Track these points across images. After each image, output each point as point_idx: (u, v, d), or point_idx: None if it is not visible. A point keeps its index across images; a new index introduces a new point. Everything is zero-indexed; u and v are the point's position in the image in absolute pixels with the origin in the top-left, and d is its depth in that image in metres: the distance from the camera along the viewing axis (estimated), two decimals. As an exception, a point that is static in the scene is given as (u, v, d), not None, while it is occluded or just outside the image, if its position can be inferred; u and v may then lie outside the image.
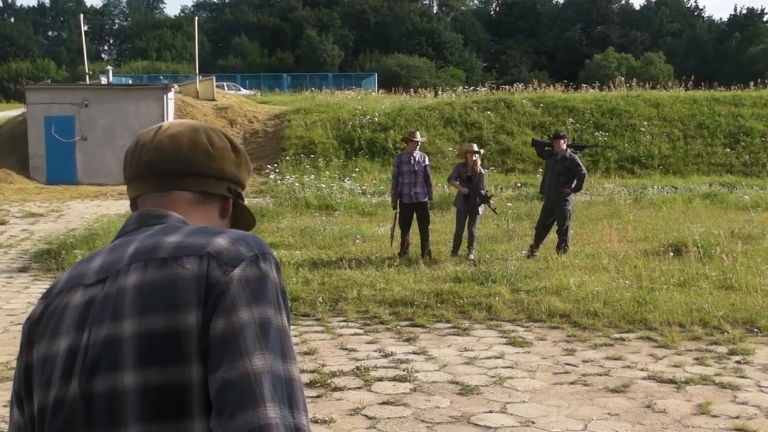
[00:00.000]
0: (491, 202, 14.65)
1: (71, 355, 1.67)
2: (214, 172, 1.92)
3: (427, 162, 14.35)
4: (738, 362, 8.19)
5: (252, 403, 1.52)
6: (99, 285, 1.73)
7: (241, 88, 55.65)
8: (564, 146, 14.13)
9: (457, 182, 14.22)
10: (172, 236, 1.74)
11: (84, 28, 42.25)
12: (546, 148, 14.65)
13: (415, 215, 14.13)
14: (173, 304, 1.61)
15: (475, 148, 14.51)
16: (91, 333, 1.67)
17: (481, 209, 14.17)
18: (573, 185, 14.00)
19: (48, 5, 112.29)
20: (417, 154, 14.19)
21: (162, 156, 1.95)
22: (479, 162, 14.31)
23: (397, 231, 14.40)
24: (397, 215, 14.28)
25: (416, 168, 14.01)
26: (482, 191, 14.04)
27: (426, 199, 14.17)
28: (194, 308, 1.60)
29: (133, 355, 1.60)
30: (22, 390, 1.79)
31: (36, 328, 1.79)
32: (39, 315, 1.80)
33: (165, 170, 1.92)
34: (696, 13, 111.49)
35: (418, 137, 14.53)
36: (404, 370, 7.92)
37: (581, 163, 14.22)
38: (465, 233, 14.13)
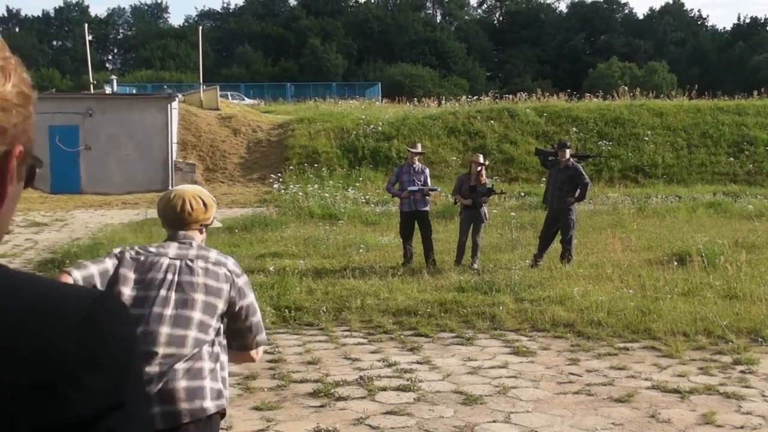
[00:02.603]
0: (495, 191, 14.71)
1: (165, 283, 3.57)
2: None
3: (427, 173, 14.38)
4: (742, 372, 8.17)
5: (261, 329, 3.73)
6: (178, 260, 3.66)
7: (245, 98, 55.73)
8: (568, 155, 14.16)
9: (459, 196, 14.30)
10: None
11: (88, 37, 42.36)
12: (550, 158, 14.68)
13: (417, 225, 14.15)
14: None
15: (481, 159, 14.53)
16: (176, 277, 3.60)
17: (484, 214, 14.19)
18: (576, 194, 13.99)
19: (53, 15, 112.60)
20: (417, 165, 14.24)
21: None
22: (484, 173, 14.34)
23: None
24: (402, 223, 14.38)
25: (415, 178, 14.05)
26: (484, 200, 14.10)
27: (425, 208, 14.19)
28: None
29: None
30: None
31: (136, 264, 3.62)
32: (135, 257, 3.65)
33: None
34: (699, 22, 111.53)
35: (418, 148, 14.59)
36: (408, 380, 7.91)
37: (584, 172, 14.25)
38: (469, 243, 14.16)
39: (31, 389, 1.08)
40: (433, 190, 14.61)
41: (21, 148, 1.17)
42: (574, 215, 14.15)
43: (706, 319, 9.85)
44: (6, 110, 1.15)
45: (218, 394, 3.57)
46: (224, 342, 3.68)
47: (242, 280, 3.71)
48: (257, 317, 3.74)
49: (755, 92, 39.55)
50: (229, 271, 3.68)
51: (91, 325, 1.14)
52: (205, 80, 37.82)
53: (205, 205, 3.75)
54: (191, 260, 3.65)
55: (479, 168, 14.17)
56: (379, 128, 32.04)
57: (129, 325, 1.24)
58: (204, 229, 3.82)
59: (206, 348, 3.55)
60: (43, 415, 1.08)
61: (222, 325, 3.65)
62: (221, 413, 3.63)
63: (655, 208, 23.01)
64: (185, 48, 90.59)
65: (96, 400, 1.12)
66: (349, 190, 25.49)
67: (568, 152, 14.21)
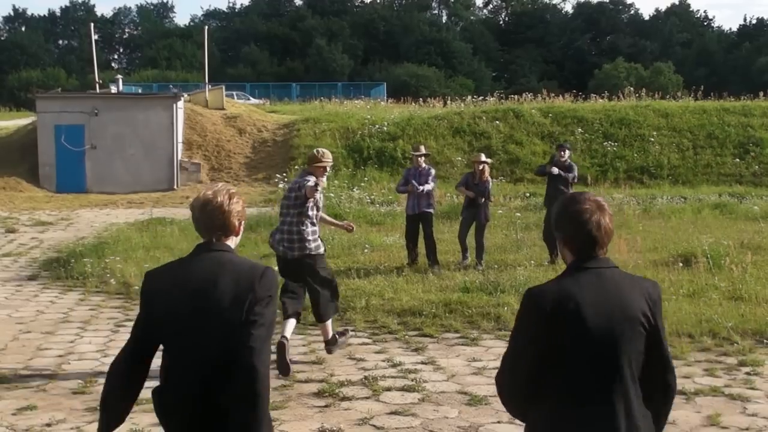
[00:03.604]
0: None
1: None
2: None
3: (432, 173, 14.37)
4: (748, 373, 8.16)
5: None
6: None
7: (251, 98, 55.84)
8: (566, 156, 15.02)
9: (464, 188, 14.52)
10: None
11: (94, 37, 42.45)
12: (545, 166, 15.40)
13: (420, 226, 14.18)
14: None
15: (483, 158, 14.68)
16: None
17: (485, 215, 14.26)
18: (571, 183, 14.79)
19: (59, 14, 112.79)
20: (423, 166, 14.28)
21: None
22: (487, 171, 14.43)
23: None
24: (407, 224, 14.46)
25: (422, 179, 14.05)
26: (484, 197, 14.22)
27: (429, 210, 14.19)
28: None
29: None
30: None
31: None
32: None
33: None
34: (705, 23, 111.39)
35: (422, 150, 14.61)
36: (412, 380, 7.91)
37: (575, 168, 15.08)
38: (472, 243, 14.23)
39: (247, 291, 3.43)
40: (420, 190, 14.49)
41: None
42: None
43: (712, 320, 9.84)
44: None
45: (316, 247, 8.62)
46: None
47: None
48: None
49: (761, 93, 39.48)
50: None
51: (262, 275, 3.48)
52: (210, 80, 37.89)
53: None
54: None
55: (481, 166, 14.31)
56: (385, 128, 32.04)
57: (276, 278, 3.56)
58: None
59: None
60: (248, 296, 3.49)
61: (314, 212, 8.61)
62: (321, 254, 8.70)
63: (661, 209, 22.96)
64: (191, 48, 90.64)
65: (261, 293, 3.43)
66: (354, 190, 25.48)
67: (567, 153, 15.05)
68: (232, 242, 3.64)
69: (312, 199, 8.47)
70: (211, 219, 3.55)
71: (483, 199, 14.23)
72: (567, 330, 3.13)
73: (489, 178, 14.60)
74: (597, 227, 3.25)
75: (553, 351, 3.14)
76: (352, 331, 9.80)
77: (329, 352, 8.75)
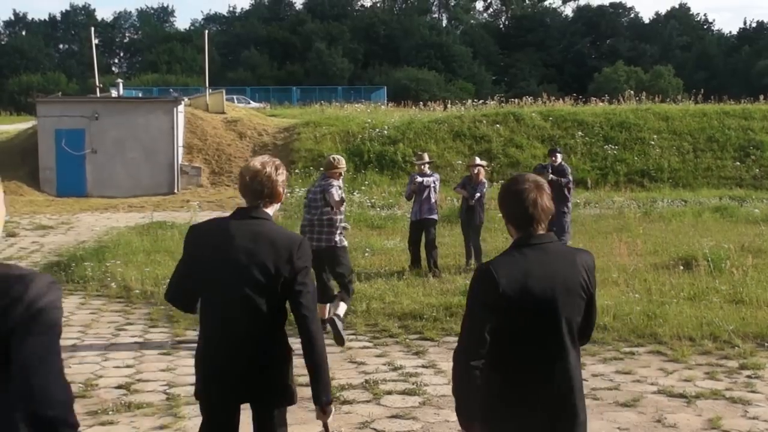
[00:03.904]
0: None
1: None
2: None
3: (436, 176, 14.43)
4: (749, 377, 8.15)
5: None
6: None
7: (251, 101, 55.87)
8: (559, 159, 15.66)
9: (460, 189, 14.83)
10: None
11: (95, 41, 42.47)
12: (541, 168, 15.76)
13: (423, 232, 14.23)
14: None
15: (477, 161, 14.99)
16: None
17: (480, 218, 14.33)
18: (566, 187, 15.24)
19: (59, 18, 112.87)
20: (428, 172, 14.33)
21: None
22: (482, 173, 14.59)
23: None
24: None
25: (421, 188, 14.10)
26: (477, 195, 14.34)
27: (432, 217, 14.20)
28: None
29: None
30: None
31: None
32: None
33: None
34: (705, 27, 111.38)
35: (425, 158, 14.69)
36: (413, 384, 7.91)
37: (568, 172, 15.69)
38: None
39: (284, 260, 3.85)
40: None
41: None
42: (568, 218, 15.35)
43: (712, 323, 9.83)
44: None
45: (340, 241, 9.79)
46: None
47: None
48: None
49: (761, 96, 39.47)
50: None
51: (300, 246, 3.92)
52: (210, 84, 37.86)
53: None
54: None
55: (476, 169, 14.52)
56: (385, 132, 32.06)
57: (309, 247, 4.03)
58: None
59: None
60: (285, 267, 3.83)
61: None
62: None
63: (661, 212, 22.98)
64: (191, 52, 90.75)
65: (300, 264, 3.88)
66: (355, 193, 25.50)
67: (559, 156, 15.73)
68: (273, 208, 4.06)
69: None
70: (261, 187, 3.94)
71: (473, 201, 14.37)
72: (515, 300, 3.42)
73: (484, 180, 14.75)
74: (534, 205, 3.55)
75: (503, 319, 3.44)
76: (352, 335, 9.80)
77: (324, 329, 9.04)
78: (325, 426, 4.25)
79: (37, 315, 2.25)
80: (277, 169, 4.01)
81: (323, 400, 4.06)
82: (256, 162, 4.02)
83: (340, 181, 10.21)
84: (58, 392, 2.27)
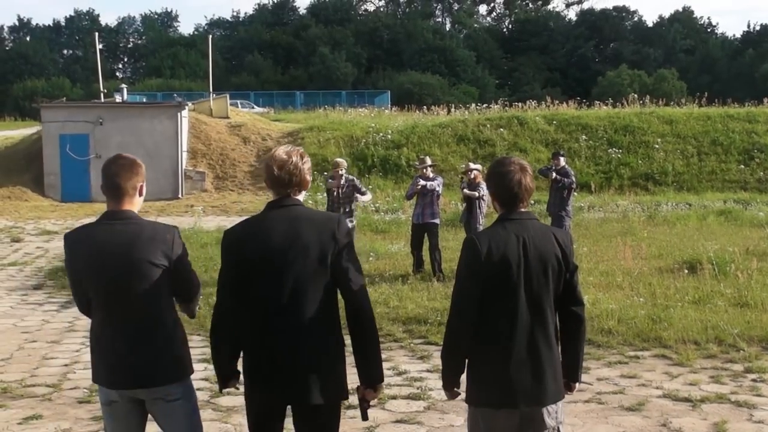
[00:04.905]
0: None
1: None
2: None
3: (439, 180, 14.49)
4: (754, 380, 8.13)
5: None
6: None
7: (255, 106, 55.89)
8: (562, 163, 16.12)
9: (468, 190, 14.75)
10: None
11: (99, 46, 42.58)
12: (547, 170, 16.33)
13: (426, 237, 14.27)
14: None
15: (472, 166, 15.08)
16: None
17: (478, 221, 14.32)
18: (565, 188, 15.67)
19: (63, 24, 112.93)
20: (430, 175, 14.38)
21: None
22: (479, 176, 14.61)
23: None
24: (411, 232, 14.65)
25: (424, 191, 14.15)
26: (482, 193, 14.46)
27: (434, 221, 14.24)
28: None
29: None
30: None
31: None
32: None
33: None
34: (709, 30, 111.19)
35: (427, 161, 14.78)
36: (418, 388, 7.90)
37: (571, 173, 16.13)
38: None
39: (328, 238, 3.91)
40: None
41: None
42: (568, 222, 15.80)
43: (717, 327, 9.81)
44: None
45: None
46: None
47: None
48: None
49: (765, 99, 39.47)
50: None
51: (338, 223, 3.98)
52: (214, 89, 37.93)
53: None
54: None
55: (473, 174, 14.60)
56: (389, 136, 32.07)
57: (348, 224, 4.09)
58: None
59: None
60: (330, 244, 3.90)
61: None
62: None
63: (666, 215, 22.95)
64: (195, 56, 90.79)
65: (344, 240, 3.95)
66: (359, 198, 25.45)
67: (562, 160, 16.15)
68: (302, 195, 4.12)
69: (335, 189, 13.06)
70: (289, 176, 4.00)
71: (465, 203, 14.62)
72: (495, 265, 3.88)
73: (481, 181, 14.71)
74: (518, 185, 4.01)
75: (486, 283, 3.90)
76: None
77: None
78: (366, 408, 4.27)
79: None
80: (302, 157, 4.08)
81: (376, 376, 4.09)
82: (281, 152, 4.06)
83: (342, 179, 12.09)
84: None
